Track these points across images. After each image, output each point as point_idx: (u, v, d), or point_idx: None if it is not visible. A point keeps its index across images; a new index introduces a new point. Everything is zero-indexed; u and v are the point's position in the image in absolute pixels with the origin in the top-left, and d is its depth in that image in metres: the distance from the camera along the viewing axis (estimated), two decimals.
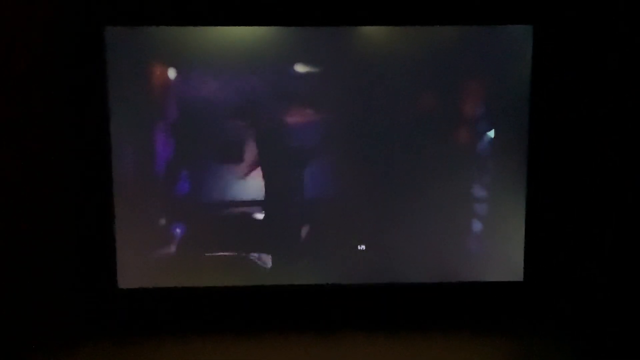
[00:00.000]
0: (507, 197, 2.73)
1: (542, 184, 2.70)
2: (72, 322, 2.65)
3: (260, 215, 2.75)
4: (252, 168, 2.71)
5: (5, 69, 2.46)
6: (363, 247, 2.75)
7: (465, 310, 2.77)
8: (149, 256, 2.71)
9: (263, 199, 2.74)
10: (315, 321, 2.71)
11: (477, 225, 2.76)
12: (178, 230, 2.71)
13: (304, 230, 2.76)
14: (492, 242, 2.76)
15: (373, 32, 2.66)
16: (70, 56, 2.58)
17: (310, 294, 2.76)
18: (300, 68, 2.65)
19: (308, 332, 2.63)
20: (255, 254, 2.74)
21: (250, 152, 2.70)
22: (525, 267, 2.75)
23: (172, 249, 2.72)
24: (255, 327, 2.68)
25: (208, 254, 2.73)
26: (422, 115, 2.70)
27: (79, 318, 2.67)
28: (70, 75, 2.59)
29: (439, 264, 2.76)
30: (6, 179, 2.50)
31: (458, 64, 2.65)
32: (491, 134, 2.70)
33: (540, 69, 2.64)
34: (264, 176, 2.72)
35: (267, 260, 2.76)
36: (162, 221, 2.70)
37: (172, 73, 2.63)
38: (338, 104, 2.68)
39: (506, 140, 2.70)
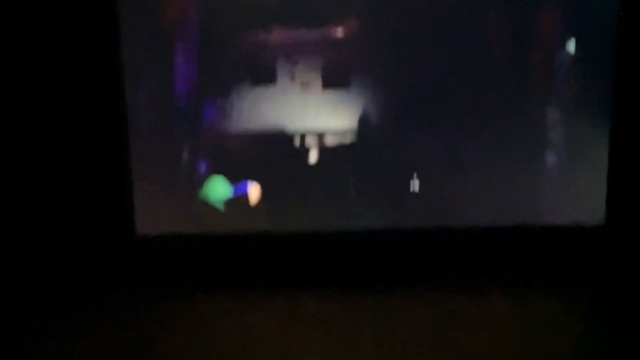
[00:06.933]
0: (588, 125, 2.43)
1: (630, 108, 2.40)
2: (86, 271, 2.55)
3: (298, 148, 2.48)
4: (287, 92, 2.43)
5: None
6: (417, 186, 2.49)
7: (537, 259, 2.53)
8: (171, 198, 2.51)
9: (301, 129, 2.47)
10: (363, 270, 2.52)
11: (551, 158, 2.47)
12: (203, 168, 2.49)
13: (349, 168, 2.49)
14: (568, 178, 2.48)
15: None
16: None
17: (358, 240, 2.53)
18: None
19: (354, 282, 2.47)
20: None
21: (286, 73, 2.42)
22: (607, 209, 2.49)
23: (197, 189, 2.50)
24: (290, 277, 2.50)
25: (237, 195, 2.50)
26: (486, 22, 2.37)
27: (93, 267, 2.56)
28: None
29: (506, 204, 2.49)
30: (11, 122, 2.44)
31: None
32: (571, 46, 2.38)
33: None
34: (301, 101, 2.44)
35: None
36: (185, 157, 2.48)
37: None
38: (392, 16, 2.36)
39: (589, 54, 2.38)
